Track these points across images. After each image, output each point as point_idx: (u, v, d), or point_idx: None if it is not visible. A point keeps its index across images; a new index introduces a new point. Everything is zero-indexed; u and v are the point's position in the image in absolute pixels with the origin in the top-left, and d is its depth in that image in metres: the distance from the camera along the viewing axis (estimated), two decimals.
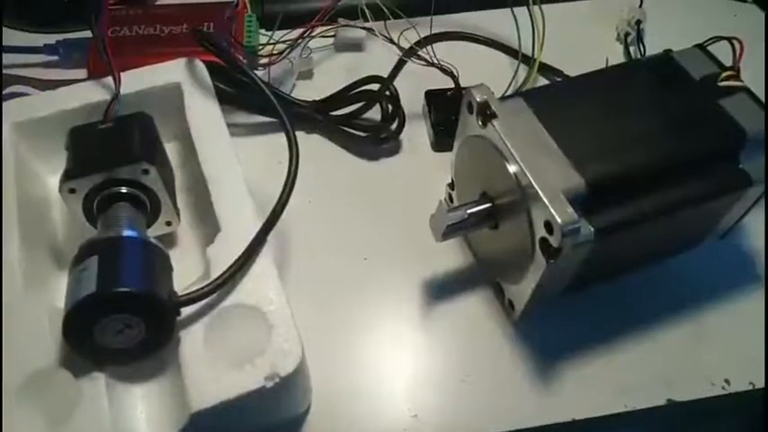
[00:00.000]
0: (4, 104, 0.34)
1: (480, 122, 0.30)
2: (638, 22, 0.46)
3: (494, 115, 0.29)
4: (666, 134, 0.30)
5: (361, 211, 0.38)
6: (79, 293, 0.23)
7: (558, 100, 0.31)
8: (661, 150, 0.29)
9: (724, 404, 0.32)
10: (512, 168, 0.28)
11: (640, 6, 0.48)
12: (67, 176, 0.29)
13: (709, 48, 0.34)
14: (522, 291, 0.31)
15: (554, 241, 0.26)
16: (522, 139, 0.28)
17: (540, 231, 0.27)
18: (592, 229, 0.27)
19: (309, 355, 0.28)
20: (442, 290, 0.35)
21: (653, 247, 0.33)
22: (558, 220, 0.25)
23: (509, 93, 0.42)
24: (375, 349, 0.33)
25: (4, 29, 0.46)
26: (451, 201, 0.37)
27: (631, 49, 0.47)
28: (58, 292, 0.28)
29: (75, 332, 0.24)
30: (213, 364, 0.26)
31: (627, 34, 0.47)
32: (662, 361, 0.33)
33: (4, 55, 0.43)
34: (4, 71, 0.42)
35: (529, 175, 0.27)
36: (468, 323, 0.34)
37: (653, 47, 0.45)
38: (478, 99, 0.30)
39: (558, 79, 0.44)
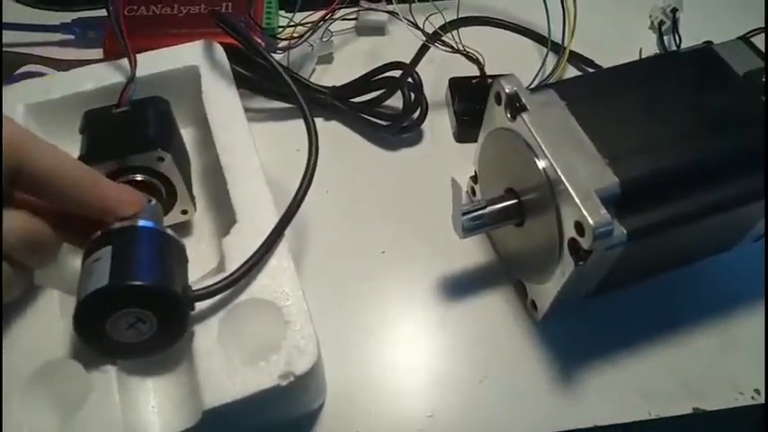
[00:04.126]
0: (17, 85, 0.33)
1: (509, 115, 0.28)
2: (674, 11, 0.44)
3: (523, 108, 0.28)
4: (706, 133, 0.28)
5: (380, 202, 0.37)
6: (91, 286, 0.22)
7: (592, 93, 0.29)
8: (700, 150, 0.28)
9: (753, 415, 0.30)
10: (541, 164, 0.27)
11: None
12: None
13: (753, 39, 0.32)
14: (546, 292, 0.29)
15: (585, 243, 0.25)
16: (553, 134, 0.27)
17: (570, 232, 0.26)
18: (625, 231, 0.26)
19: (324, 351, 0.27)
20: (461, 287, 0.34)
21: (685, 249, 0.31)
22: (591, 222, 0.24)
23: (537, 81, 0.40)
24: (391, 346, 0.32)
25: (20, 6, 0.46)
26: (474, 194, 0.36)
27: (665, 38, 0.45)
28: (70, 279, 0.27)
29: (86, 325, 0.23)
30: (227, 360, 0.25)
31: (661, 23, 0.45)
32: (689, 368, 0.31)
33: (18, 33, 0.42)
34: (19, 49, 0.41)
35: (559, 172, 0.26)
36: (487, 322, 0.33)
37: (689, 37, 0.43)
38: (507, 90, 0.28)
39: (589, 69, 0.42)
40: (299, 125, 0.31)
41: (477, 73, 0.40)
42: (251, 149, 0.31)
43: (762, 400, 0.31)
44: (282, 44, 0.41)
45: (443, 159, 0.39)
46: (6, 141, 0.22)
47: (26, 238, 0.23)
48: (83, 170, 0.25)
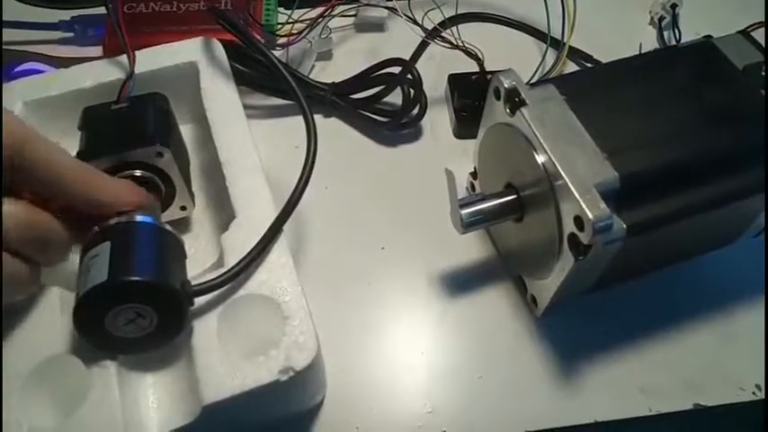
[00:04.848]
0: (17, 83, 0.33)
1: (508, 110, 0.28)
2: (674, 6, 0.44)
3: (522, 102, 0.28)
4: (705, 126, 0.28)
5: (380, 198, 0.37)
6: (90, 282, 0.22)
7: (591, 87, 0.29)
8: (699, 144, 0.28)
9: (754, 410, 0.30)
10: (540, 159, 0.27)
11: None
12: (81, 158, 0.28)
13: (752, 33, 0.32)
14: (546, 287, 0.29)
15: (584, 238, 0.25)
16: (552, 129, 0.27)
17: (570, 227, 0.25)
18: (624, 225, 0.26)
19: (324, 347, 0.27)
20: (461, 283, 0.34)
21: (685, 244, 0.31)
22: (590, 216, 0.24)
23: (536, 77, 0.40)
24: (391, 342, 0.32)
25: (20, 4, 0.46)
26: (474, 190, 0.36)
27: (665, 33, 0.45)
28: (70, 276, 0.27)
29: (85, 321, 0.23)
30: (226, 355, 0.25)
31: (661, 18, 0.45)
32: (690, 363, 0.31)
33: (18, 31, 0.42)
34: (19, 47, 0.41)
35: (558, 167, 0.26)
36: (487, 318, 0.33)
37: (688, 32, 0.43)
38: (506, 85, 0.28)
39: (589, 64, 0.42)
40: (297, 122, 0.31)
41: (477, 69, 0.40)
42: (250, 146, 0.31)
43: (763, 395, 0.30)
44: (281, 41, 0.41)
45: (443, 155, 0.39)
46: (6, 132, 0.22)
47: (29, 228, 0.23)
48: (79, 165, 0.25)
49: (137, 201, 0.26)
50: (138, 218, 0.25)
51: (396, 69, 0.38)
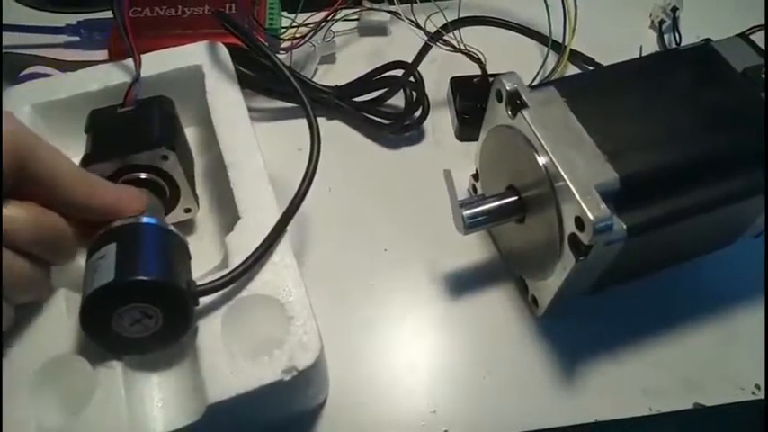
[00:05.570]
0: (24, 86, 0.34)
1: (510, 112, 0.29)
2: (674, 9, 0.45)
3: (524, 105, 0.28)
4: (705, 129, 0.29)
5: (382, 200, 0.37)
6: (97, 281, 0.23)
7: (592, 90, 0.30)
8: (698, 146, 0.28)
9: (754, 410, 0.31)
10: (541, 160, 0.27)
11: None
12: (87, 161, 0.28)
13: (751, 37, 0.32)
14: (547, 287, 0.30)
15: (585, 238, 0.25)
16: (553, 131, 0.27)
17: (570, 227, 0.26)
18: (624, 226, 0.26)
19: (327, 347, 0.28)
20: (463, 284, 0.34)
21: (685, 245, 0.32)
22: (590, 217, 0.24)
23: (538, 80, 0.41)
24: (394, 342, 0.33)
25: (26, 8, 0.46)
26: (475, 192, 0.36)
27: (666, 37, 0.45)
28: (76, 277, 0.27)
29: (92, 321, 0.23)
30: (231, 355, 0.25)
31: (662, 22, 0.45)
32: (690, 363, 0.32)
33: (24, 35, 0.42)
34: (25, 51, 0.42)
35: (560, 168, 0.26)
36: (489, 318, 0.33)
37: (689, 35, 0.43)
38: (508, 87, 0.28)
39: (590, 68, 0.42)
40: (301, 124, 0.31)
41: (479, 72, 0.40)
42: (254, 148, 0.32)
43: (762, 395, 0.31)
44: (285, 44, 0.41)
45: (445, 158, 0.39)
46: (12, 139, 0.22)
47: (37, 228, 0.23)
48: (81, 173, 0.25)
49: (138, 207, 0.26)
50: (144, 219, 0.26)
51: (398, 72, 0.38)
